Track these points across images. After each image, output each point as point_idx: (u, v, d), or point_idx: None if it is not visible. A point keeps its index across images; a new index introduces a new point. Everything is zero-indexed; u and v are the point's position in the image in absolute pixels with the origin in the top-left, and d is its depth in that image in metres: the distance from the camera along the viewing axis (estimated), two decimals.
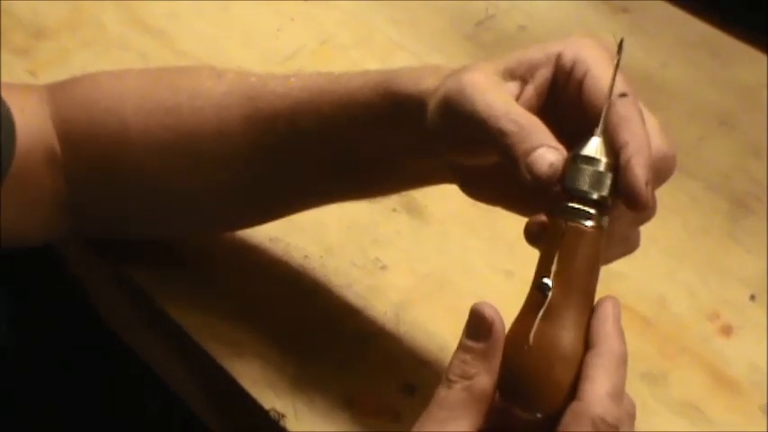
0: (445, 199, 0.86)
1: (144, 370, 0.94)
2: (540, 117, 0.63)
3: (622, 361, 0.59)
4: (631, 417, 0.60)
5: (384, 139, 0.71)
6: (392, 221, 0.89)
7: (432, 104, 0.66)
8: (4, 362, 1.04)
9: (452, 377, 0.60)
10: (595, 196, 0.59)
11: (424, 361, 0.80)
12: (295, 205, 0.81)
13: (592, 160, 0.60)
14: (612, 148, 0.60)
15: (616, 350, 0.59)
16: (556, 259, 0.60)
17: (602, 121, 0.61)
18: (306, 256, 0.86)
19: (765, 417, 0.80)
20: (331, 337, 0.82)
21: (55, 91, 0.81)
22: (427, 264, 0.87)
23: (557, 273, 0.59)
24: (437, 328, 0.82)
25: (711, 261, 0.90)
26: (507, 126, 0.61)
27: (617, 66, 0.62)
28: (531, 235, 0.64)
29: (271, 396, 0.78)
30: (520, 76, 0.65)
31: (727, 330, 0.85)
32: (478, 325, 0.60)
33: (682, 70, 1.05)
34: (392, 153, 0.72)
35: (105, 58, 1.01)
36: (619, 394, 0.59)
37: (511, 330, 0.60)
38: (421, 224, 0.89)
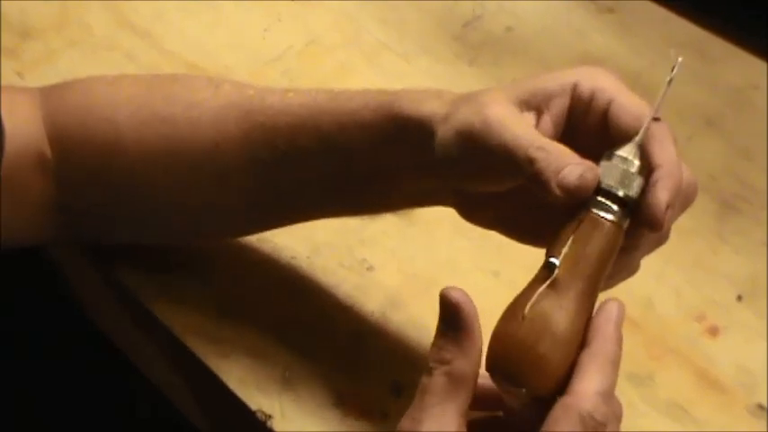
0: None
1: (133, 371, 0.94)
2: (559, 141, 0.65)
3: (616, 363, 0.60)
4: (618, 418, 0.61)
5: (383, 159, 0.72)
6: (379, 222, 0.89)
7: (445, 133, 0.67)
8: (6, 362, 1.04)
9: (431, 364, 0.61)
10: (621, 193, 0.61)
11: (411, 361, 0.80)
12: (289, 219, 0.81)
13: (625, 160, 0.62)
14: (646, 164, 0.62)
15: (611, 352, 0.60)
16: (569, 242, 0.61)
17: (642, 132, 0.63)
18: (293, 257, 0.86)
19: (752, 417, 0.80)
20: (318, 337, 0.82)
21: (47, 95, 0.81)
22: (414, 264, 0.87)
23: (566, 255, 0.61)
24: (424, 329, 0.82)
25: (698, 262, 0.90)
26: (536, 154, 0.62)
27: (670, 83, 0.64)
28: None
29: (258, 396, 0.78)
30: (535, 106, 0.66)
31: (713, 331, 0.85)
32: (447, 310, 0.61)
33: (668, 71, 1.05)
34: (391, 173, 0.72)
35: (92, 59, 1.01)
36: (608, 394, 0.60)
37: (511, 303, 0.61)
38: (408, 224, 0.89)
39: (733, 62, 1.06)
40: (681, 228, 0.91)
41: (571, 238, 0.61)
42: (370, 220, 0.89)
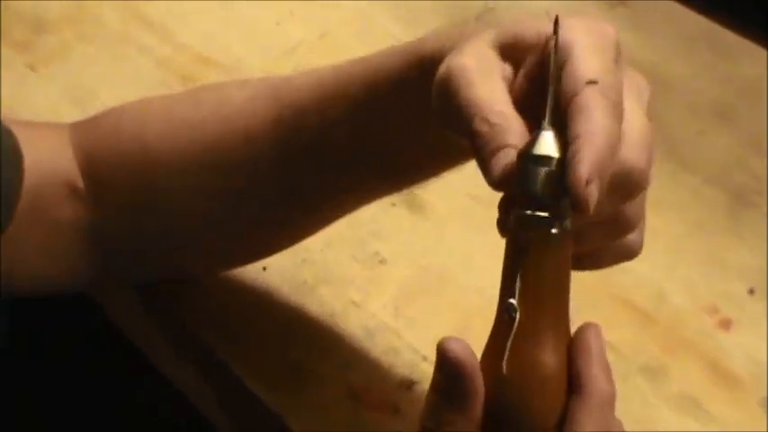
0: (445, 193, 0.86)
1: (150, 369, 0.94)
2: (530, 102, 0.58)
3: (609, 402, 0.55)
4: None
5: (414, 114, 0.66)
6: (392, 215, 0.89)
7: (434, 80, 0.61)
8: (6, 362, 1.04)
9: (428, 424, 0.54)
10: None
11: (423, 355, 0.80)
12: (324, 210, 0.78)
13: (543, 159, 0.53)
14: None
15: (603, 391, 0.55)
16: (519, 277, 0.54)
17: (547, 114, 0.55)
18: (306, 249, 0.86)
19: (765, 411, 0.80)
20: (331, 330, 0.82)
21: (78, 128, 0.80)
22: (427, 257, 0.87)
23: (522, 292, 0.54)
24: (436, 322, 0.82)
25: (711, 255, 0.90)
26: (480, 127, 0.56)
27: (555, 48, 0.57)
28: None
29: (270, 392, 0.78)
30: (514, 57, 0.60)
31: (726, 324, 0.85)
32: (447, 369, 0.54)
33: (681, 64, 1.05)
34: (422, 131, 0.67)
35: (105, 53, 1.01)
36: None
37: (483, 359, 0.55)
38: (420, 218, 0.89)
39: (745, 55, 1.06)
40: (692, 221, 0.92)
41: (520, 272, 0.54)
42: (382, 213, 0.89)
